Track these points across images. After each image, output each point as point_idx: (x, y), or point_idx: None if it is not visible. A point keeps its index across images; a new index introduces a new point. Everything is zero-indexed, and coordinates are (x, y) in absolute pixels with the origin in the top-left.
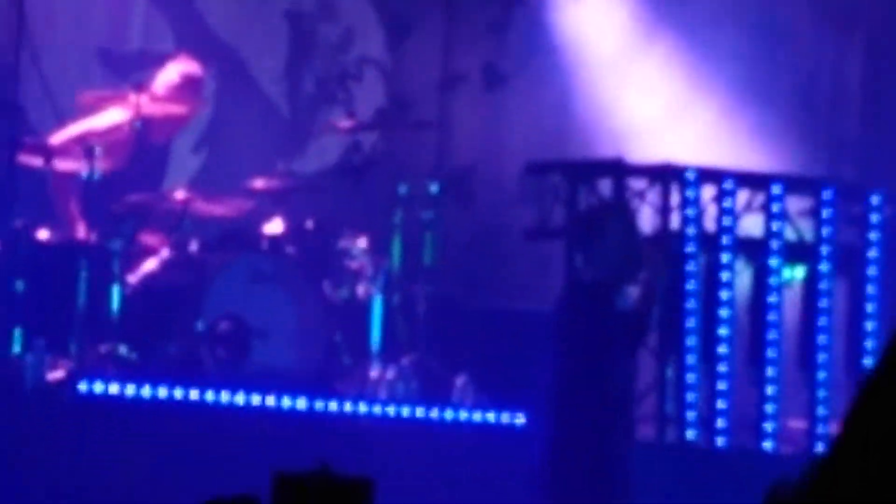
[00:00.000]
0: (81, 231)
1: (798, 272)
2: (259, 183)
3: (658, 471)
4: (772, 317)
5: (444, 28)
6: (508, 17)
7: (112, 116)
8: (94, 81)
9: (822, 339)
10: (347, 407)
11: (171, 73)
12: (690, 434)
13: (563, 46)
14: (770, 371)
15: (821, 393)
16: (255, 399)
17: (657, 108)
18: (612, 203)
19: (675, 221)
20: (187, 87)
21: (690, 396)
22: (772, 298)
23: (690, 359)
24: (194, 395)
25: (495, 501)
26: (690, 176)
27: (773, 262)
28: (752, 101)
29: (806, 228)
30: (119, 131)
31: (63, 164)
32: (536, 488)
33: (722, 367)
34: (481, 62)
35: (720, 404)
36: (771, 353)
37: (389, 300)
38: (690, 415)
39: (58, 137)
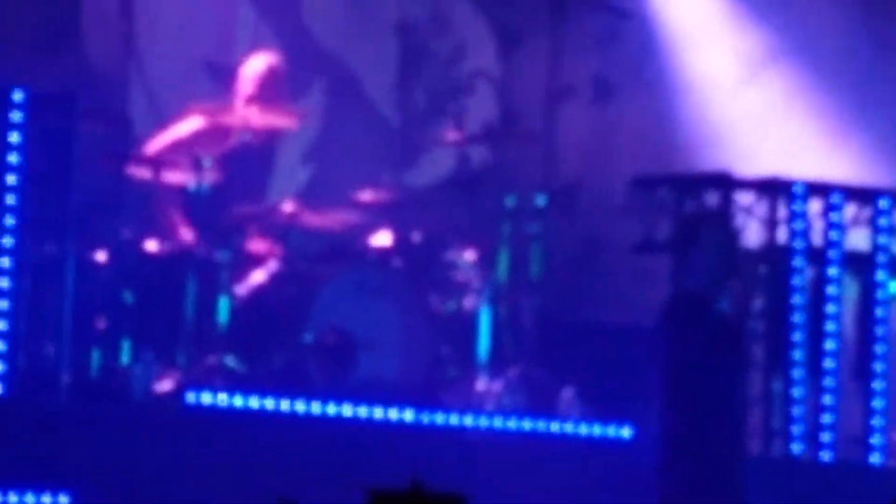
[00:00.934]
0: (189, 242)
1: None
2: (367, 195)
3: (764, 485)
4: (879, 331)
5: (554, 40)
6: (618, 29)
7: (193, 125)
8: (199, 93)
9: None
10: (453, 419)
11: (255, 65)
12: (796, 448)
13: (671, 59)
14: (877, 384)
15: None
16: (362, 411)
17: (766, 122)
18: (709, 213)
19: (782, 235)
20: (270, 78)
21: (797, 410)
22: (879, 312)
23: (797, 373)
24: (300, 406)
25: None
26: (798, 190)
27: (880, 276)
28: (863, 116)
29: None
30: (225, 142)
31: (171, 176)
32: (644, 502)
33: (828, 381)
34: (590, 74)
35: (826, 418)
36: (878, 366)
37: (496, 313)
38: (796, 429)
39: (155, 145)
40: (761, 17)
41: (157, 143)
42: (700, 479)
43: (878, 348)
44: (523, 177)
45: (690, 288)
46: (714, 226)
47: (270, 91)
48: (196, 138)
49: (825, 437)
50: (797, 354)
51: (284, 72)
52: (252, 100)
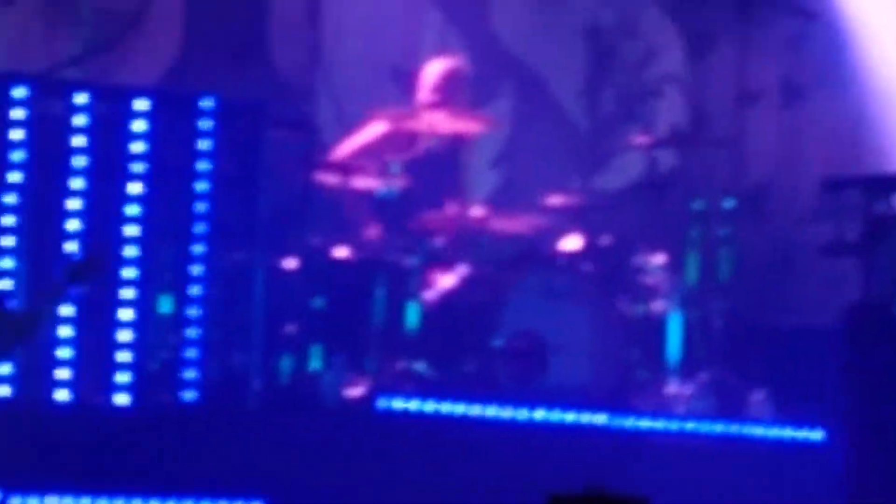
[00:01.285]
0: (377, 248)
1: None
2: (556, 199)
3: None
4: None
5: (741, 44)
6: (805, 30)
7: (377, 130)
8: (385, 99)
9: None
10: (644, 423)
11: (437, 68)
12: None
13: (859, 59)
14: None
15: None
16: (553, 416)
17: None
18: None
19: None
20: (453, 82)
21: None
22: None
23: None
24: (491, 411)
25: None
26: None
27: None
28: None
29: None
30: (413, 148)
31: (359, 182)
32: None
33: None
34: (779, 77)
35: None
36: None
37: (686, 316)
38: None
39: (343, 149)
40: None
41: (343, 150)
42: (888, 484)
43: None
44: (712, 180)
45: (876, 291)
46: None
47: (453, 95)
48: (381, 144)
49: None
50: None
51: (466, 75)
52: (435, 104)
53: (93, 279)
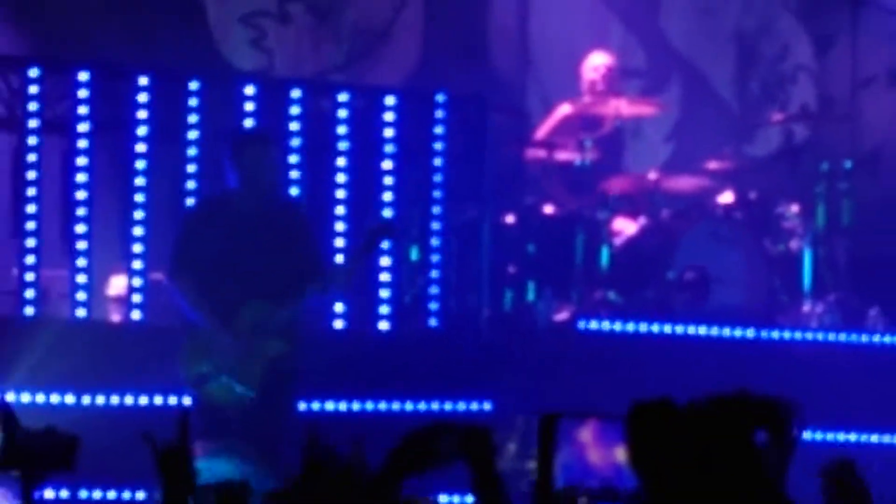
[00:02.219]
0: (575, 205)
1: None
2: (713, 164)
3: None
4: None
5: (855, 40)
6: (850, 26)
7: (566, 110)
8: (578, 90)
9: None
10: (786, 335)
11: (595, 62)
12: None
13: None
14: None
15: None
16: (714, 331)
17: None
18: None
19: None
20: (608, 74)
21: None
22: None
23: None
24: (667, 329)
25: None
26: None
27: None
28: None
29: None
30: (602, 128)
31: (561, 155)
32: None
33: None
34: (886, 66)
35: None
36: None
37: (815, 252)
38: None
39: (544, 129)
40: None
41: (541, 130)
42: None
43: None
44: (834, 147)
45: None
46: None
47: (607, 81)
48: (569, 123)
49: None
50: None
51: (616, 67)
52: (600, 91)
53: (378, 245)
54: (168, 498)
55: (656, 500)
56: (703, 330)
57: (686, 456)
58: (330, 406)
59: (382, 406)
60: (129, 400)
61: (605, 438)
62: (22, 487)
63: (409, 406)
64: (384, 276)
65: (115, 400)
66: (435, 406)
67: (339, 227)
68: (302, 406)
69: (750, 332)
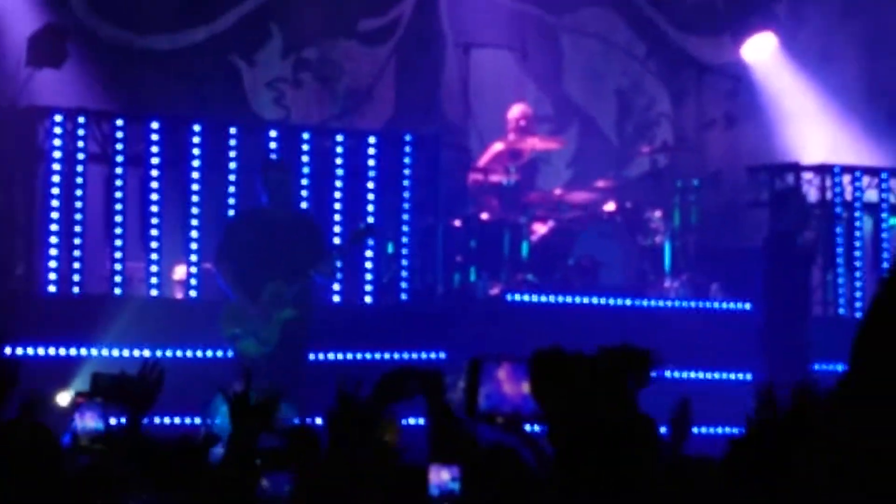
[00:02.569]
0: (502, 214)
1: None
2: (601, 183)
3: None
4: (884, 245)
5: (701, 94)
6: (736, 87)
7: (499, 148)
8: (505, 132)
9: None
10: (653, 303)
11: (515, 111)
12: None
13: (765, 102)
14: None
15: None
16: (601, 301)
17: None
18: (790, 186)
19: (828, 194)
20: (525, 119)
21: (839, 292)
22: (883, 234)
23: (840, 269)
24: (568, 300)
25: None
26: (836, 170)
27: (884, 215)
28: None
29: None
30: (518, 157)
31: (493, 178)
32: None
33: (857, 273)
34: (723, 113)
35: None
36: (885, 263)
37: (673, 245)
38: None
39: (482, 160)
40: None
41: (481, 160)
42: (787, 335)
43: (884, 254)
44: (686, 170)
45: (781, 228)
46: (795, 193)
47: (525, 125)
48: (498, 156)
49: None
50: (839, 259)
51: (528, 113)
52: (521, 132)
53: (365, 242)
54: (237, 432)
55: (552, 421)
56: (594, 300)
57: (574, 389)
58: (332, 356)
59: (368, 356)
60: (188, 353)
61: (516, 376)
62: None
63: (387, 356)
64: (368, 265)
65: (178, 353)
66: (406, 356)
67: (336, 229)
68: (312, 356)
69: (627, 302)
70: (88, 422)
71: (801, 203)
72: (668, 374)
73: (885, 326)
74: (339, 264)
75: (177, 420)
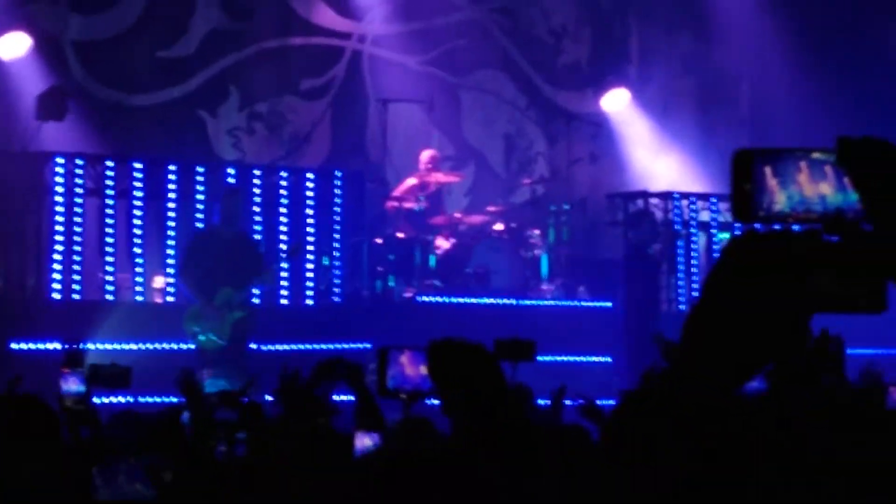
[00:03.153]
0: (413, 234)
1: (724, 236)
2: (492, 208)
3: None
4: (715, 255)
5: (570, 137)
6: (598, 131)
7: (412, 182)
8: (416, 168)
9: None
10: (534, 303)
11: (425, 155)
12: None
13: (620, 144)
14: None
15: None
16: (492, 301)
17: (667, 168)
18: (641, 209)
19: (670, 215)
20: (432, 161)
21: (681, 291)
22: (714, 247)
23: (681, 274)
24: (468, 300)
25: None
26: (676, 196)
27: (714, 231)
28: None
29: (728, 215)
30: (426, 188)
31: (406, 205)
32: (615, 341)
33: (694, 277)
34: (587, 152)
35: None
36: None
37: (549, 256)
38: (682, 299)
39: (397, 191)
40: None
41: (397, 191)
42: (642, 328)
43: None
44: (559, 197)
45: (636, 242)
46: (648, 214)
47: (432, 165)
48: (411, 188)
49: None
50: (680, 268)
51: (436, 156)
52: (429, 170)
53: (299, 256)
54: (193, 405)
55: (444, 396)
56: (487, 300)
57: (458, 370)
58: (280, 347)
59: (308, 346)
60: (165, 346)
61: (416, 361)
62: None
63: (324, 346)
64: (309, 274)
65: (158, 346)
66: (338, 346)
67: (283, 247)
68: (265, 347)
69: (513, 301)
70: (72, 386)
71: (651, 222)
72: (547, 358)
73: (712, 306)
74: (274, 275)
75: (157, 399)
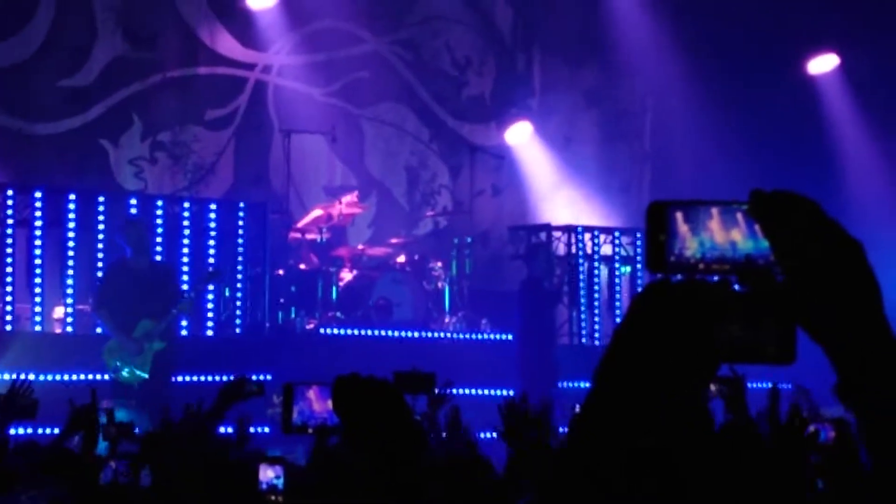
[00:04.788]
0: (317, 265)
1: (627, 269)
2: (394, 240)
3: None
4: (617, 290)
5: (473, 168)
6: (499, 163)
7: (315, 213)
8: (320, 199)
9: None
10: (436, 335)
11: (348, 198)
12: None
13: (522, 176)
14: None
15: None
16: (395, 334)
17: (569, 201)
18: (541, 242)
19: (573, 248)
20: (354, 205)
21: (583, 328)
22: (616, 280)
23: (583, 308)
24: (369, 332)
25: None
26: (580, 230)
27: (617, 265)
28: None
29: (630, 249)
30: (331, 220)
31: (309, 236)
32: (512, 371)
33: (596, 311)
34: (490, 184)
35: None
36: (618, 302)
37: (451, 289)
38: (585, 329)
39: (301, 222)
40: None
41: (301, 222)
42: (538, 359)
43: (617, 294)
44: (461, 230)
45: (534, 275)
46: (544, 247)
47: (336, 195)
48: (316, 219)
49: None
50: (582, 301)
51: (340, 187)
52: (330, 200)
53: (215, 283)
54: (86, 436)
55: (348, 431)
56: (389, 333)
57: (362, 405)
58: (179, 378)
59: (209, 378)
60: (66, 377)
61: (323, 396)
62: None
63: (225, 377)
64: (210, 305)
65: (57, 377)
66: (240, 376)
67: (185, 277)
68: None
69: (416, 334)
70: None
71: (547, 255)
72: (455, 390)
73: (622, 354)
74: (190, 305)
75: (57, 430)
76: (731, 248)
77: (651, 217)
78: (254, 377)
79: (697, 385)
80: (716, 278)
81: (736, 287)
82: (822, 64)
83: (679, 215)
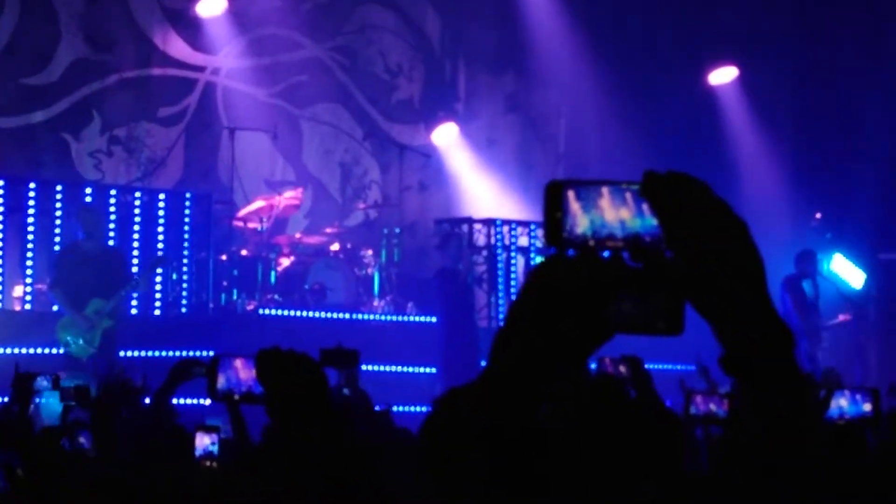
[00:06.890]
0: (258, 251)
1: (541, 259)
2: (329, 230)
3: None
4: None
5: (403, 165)
6: (427, 162)
7: (257, 204)
8: (262, 191)
9: None
10: (365, 317)
11: (289, 192)
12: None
13: (448, 173)
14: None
15: None
16: (327, 315)
17: (490, 196)
18: (450, 231)
19: (492, 240)
20: (276, 183)
21: (501, 309)
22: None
23: (501, 293)
24: (303, 314)
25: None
26: (499, 223)
27: (532, 254)
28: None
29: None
30: (273, 210)
31: (251, 225)
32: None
33: (513, 296)
34: (417, 180)
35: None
36: None
37: (381, 275)
38: (503, 315)
39: (243, 212)
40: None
41: (243, 211)
42: (460, 341)
43: None
44: (390, 221)
45: (449, 264)
46: (456, 237)
47: (276, 188)
48: (258, 209)
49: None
50: (500, 287)
51: (280, 181)
52: (271, 192)
53: (163, 267)
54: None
55: (269, 400)
56: (323, 314)
57: (282, 376)
58: (129, 353)
59: (155, 353)
60: (24, 350)
61: (248, 366)
62: None
63: (172, 353)
64: (158, 286)
65: (17, 350)
66: (184, 353)
67: (135, 261)
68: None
69: (347, 315)
70: None
71: (458, 244)
72: (377, 368)
73: (517, 325)
74: (142, 285)
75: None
76: (620, 227)
77: (548, 195)
78: (197, 353)
79: (586, 355)
80: (607, 254)
81: (628, 263)
82: (723, 75)
83: (571, 194)
